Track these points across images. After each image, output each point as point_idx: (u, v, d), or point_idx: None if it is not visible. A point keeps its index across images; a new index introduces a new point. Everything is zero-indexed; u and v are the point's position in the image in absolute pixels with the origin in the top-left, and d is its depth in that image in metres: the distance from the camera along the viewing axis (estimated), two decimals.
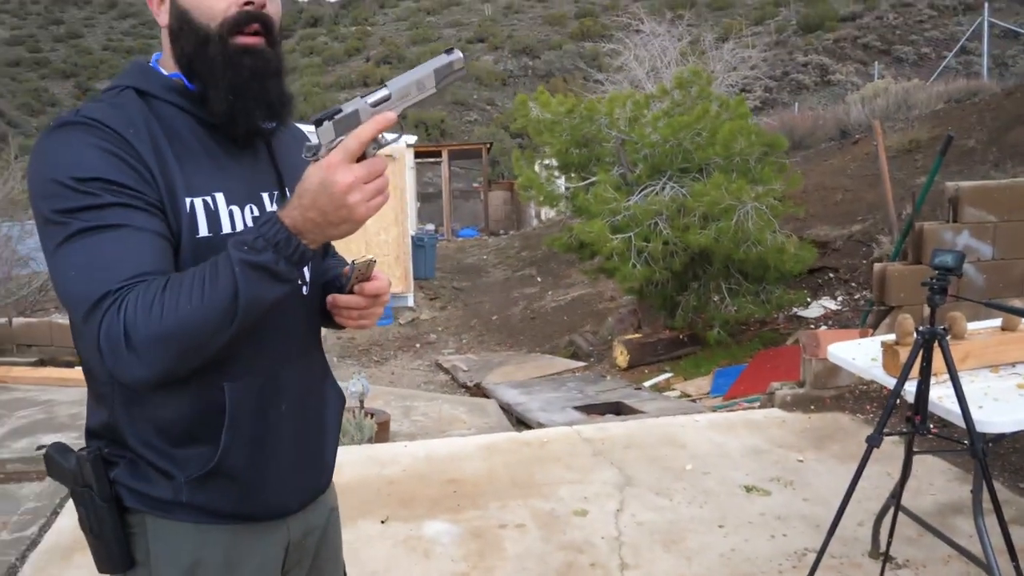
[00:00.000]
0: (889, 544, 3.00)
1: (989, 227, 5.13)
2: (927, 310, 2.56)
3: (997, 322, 2.99)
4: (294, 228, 1.14)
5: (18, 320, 7.99)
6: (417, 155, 20.49)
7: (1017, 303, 3.00)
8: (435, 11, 60.50)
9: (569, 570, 3.33)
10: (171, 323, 1.11)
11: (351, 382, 5.17)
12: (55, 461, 1.36)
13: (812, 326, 7.26)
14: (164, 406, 1.26)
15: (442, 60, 1.26)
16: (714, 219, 6.85)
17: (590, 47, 45.59)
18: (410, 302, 12.47)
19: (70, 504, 4.05)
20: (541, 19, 56.18)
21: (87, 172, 1.18)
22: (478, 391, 7.31)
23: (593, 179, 7.65)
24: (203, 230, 1.25)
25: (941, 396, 2.58)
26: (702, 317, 7.55)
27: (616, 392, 6.43)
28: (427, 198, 23.99)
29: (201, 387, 1.25)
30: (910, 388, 2.62)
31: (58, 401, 6.36)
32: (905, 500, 3.81)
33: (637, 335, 8.11)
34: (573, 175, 8.19)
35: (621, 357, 7.63)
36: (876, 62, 32.44)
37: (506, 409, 6.20)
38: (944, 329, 2.51)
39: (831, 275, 8.20)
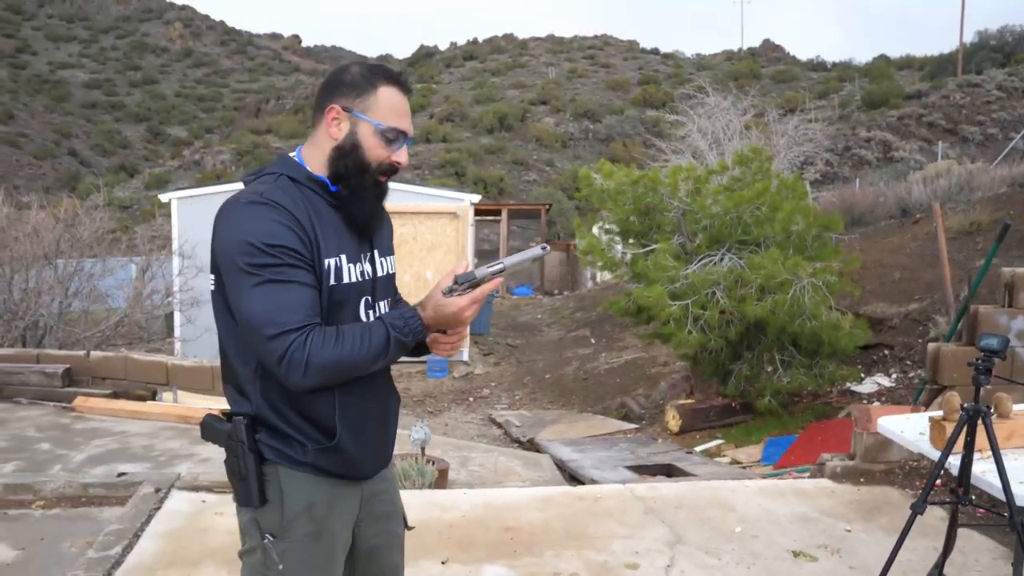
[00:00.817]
0: None
1: None
2: (974, 389, 2.74)
3: None
4: (426, 325, 1.87)
5: (95, 353, 8.25)
6: (477, 212, 21.02)
7: None
8: (499, 72, 62.00)
9: None
10: (336, 360, 1.77)
11: (414, 429, 5.42)
12: (211, 426, 1.93)
13: (864, 401, 7.34)
14: (308, 402, 1.85)
15: (538, 252, 1.94)
16: (771, 292, 7.03)
17: (651, 114, 46.26)
18: (465, 356, 12.76)
19: (152, 527, 4.35)
20: (604, 84, 57.20)
21: (274, 240, 1.76)
22: (531, 446, 7.50)
23: (653, 246, 7.90)
24: (333, 280, 1.86)
25: (984, 471, 2.75)
26: (754, 386, 7.68)
27: (668, 455, 6.58)
28: (485, 255, 24.49)
29: (326, 393, 1.85)
30: (955, 462, 2.79)
31: (131, 432, 6.66)
32: (950, 574, 3.93)
33: (689, 400, 8.26)
34: (632, 242, 8.45)
35: (673, 421, 7.78)
36: (940, 141, 32.36)
37: (559, 465, 6.39)
38: (988, 407, 2.69)
39: (886, 352, 8.28)
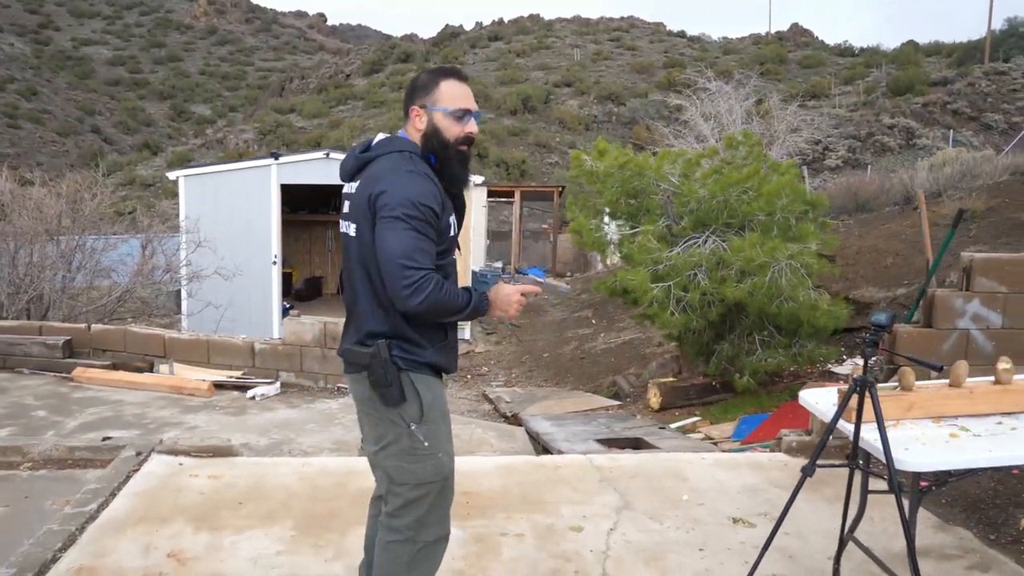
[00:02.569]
0: (836, 573, 3.32)
1: (1000, 297, 5.36)
2: (865, 361, 2.92)
3: (947, 380, 3.31)
4: (490, 302, 2.63)
5: (96, 326, 8.51)
6: (491, 194, 21.17)
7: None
8: (524, 54, 61.84)
9: (554, 575, 3.72)
10: (441, 301, 2.43)
11: None
12: (353, 351, 2.60)
13: (842, 381, 7.48)
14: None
15: (564, 288, 3.01)
16: (750, 274, 7.18)
17: (675, 98, 45.98)
18: (467, 335, 13.00)
19: (129, 487, 4.61)
20: (629, 67, 56.88)
21: (427, 202, 2.45)
22: (515, 421, 7.72)
23: (640, 228, 8.06)
24: (453, 232, 2.62)
25: (877, 439, 2.92)
26: (735, 365, 7.83)
27: (640, 430, 6.76)
28: (500, 236, 24.65)
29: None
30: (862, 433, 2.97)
31: (126, 402, 6.96)
32: (880, 541, 4.12)
33: (672, 379, 8.44)
34: (621, 223, 8.61)
35: (654, 399, 7.97)
36: (962, 128, 32.02)
37: (535, 438, 6.61)
38: (875, 379, 2.87)
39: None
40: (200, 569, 3.65)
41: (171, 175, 13.27)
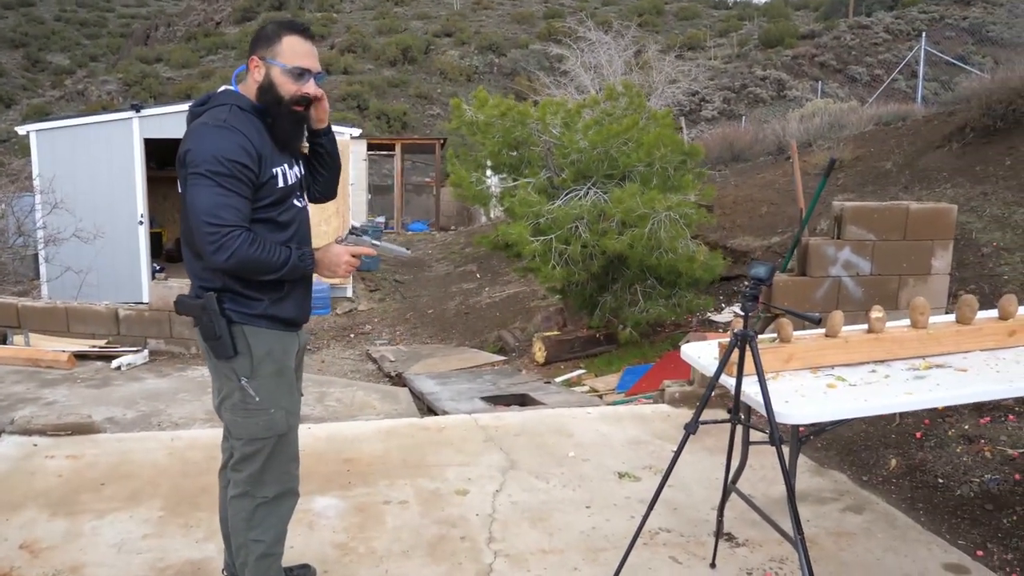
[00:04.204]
0: (720, 523, 3.35)
1: (868, 245, 5.52)
2: (743, 314, 2.89)
3: (824, 330, 3.34)
4: (317, 261, 2.60)
5: None
6: (372, 147, 20.66)
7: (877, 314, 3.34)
8: (403, 2, 60.36)
9: (440, 542, 3.61)
10: (251, 258, 2.40)
11: None
12: (183, 302, 2.55)
13: (722, 330, 7.63)
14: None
15: (404, 253, 2.98)
16: (630, 225, 7.18)
17: (556, 50, 45.94)
18: (349, 293, 12.68)
19: None
20: (509, 17, 56.36)
21: (232, 156, 2.38)
22: (399, 381, 7.56)
23: (520, 181, 7.95)
24: (281, 184, 2.56)
25: (757, 392, 2.91)
26: (619, 317, 7.89)
27: (526, 386, 6.73)
28: (382, 190, 24.15)
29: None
30: (744, 386, 2.95)
31: None
32: (760, 488, 4.20)
33: (556, 332, 8.44)
34: (504, 176, 8.48)
35: (539, 353, 7.95)
36: (829, 80, 33.26)
37: (419, 398, 6.47)
38: (755, 332, 2.85)
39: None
40: (57, 560, 3.37)
41: (21, 129, 12.28)
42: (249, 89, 2.56)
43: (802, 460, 4.56)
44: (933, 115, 11.27)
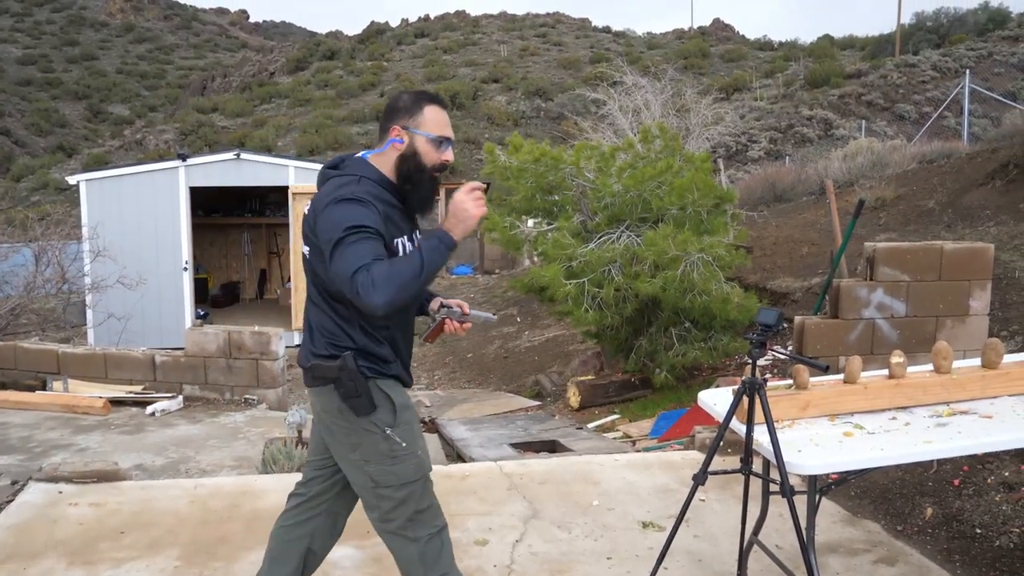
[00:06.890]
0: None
1: (903, 286, 5.37)
2: (751, 363, 2.81)
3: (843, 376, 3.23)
4: (446, 222, 2.44)
5: None
6: None
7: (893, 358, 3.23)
8: (451, 50, 61.51)
9: None
10: (398, 276, 2.29)
11: (290, 412, 5.41)
12: (320, 366, 2.58)
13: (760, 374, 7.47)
14: (383, 333, 2.58)
15: (494, 319, 2.95)
16: (663, 268, 7.12)
17: (599, 95, 46.11)
18: None
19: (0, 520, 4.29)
20: (556, 62, 57.02)
21: (366, 222, 2.38)
22: (432, 427, 7.53)
23: (555, 225, 7.94)
24: (400, 254, 2.50)
25: (769, 441, 2.82)
26: (654, 361, 7.78)
27: (557, 431, 6.64)
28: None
29: (392, 336, 2.63)
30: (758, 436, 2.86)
31: (13, 423, 6.54)
32: (789, 539, 4.05)
33: (591, 377, 8.35)
34: (539, 220, 8.49)
35: (573, 398, 7.87)
36: (876, 119, 32.87)
37: (449, 444, 6.43)
38: (764, 380, 2.77)
39: (785, 325, 8.43)
40: None
41: (72, 179, 12.69)
42: (387, 157, 2.58)
43: (834, 509, 4.42)
44: (976, 152, 11.04)
